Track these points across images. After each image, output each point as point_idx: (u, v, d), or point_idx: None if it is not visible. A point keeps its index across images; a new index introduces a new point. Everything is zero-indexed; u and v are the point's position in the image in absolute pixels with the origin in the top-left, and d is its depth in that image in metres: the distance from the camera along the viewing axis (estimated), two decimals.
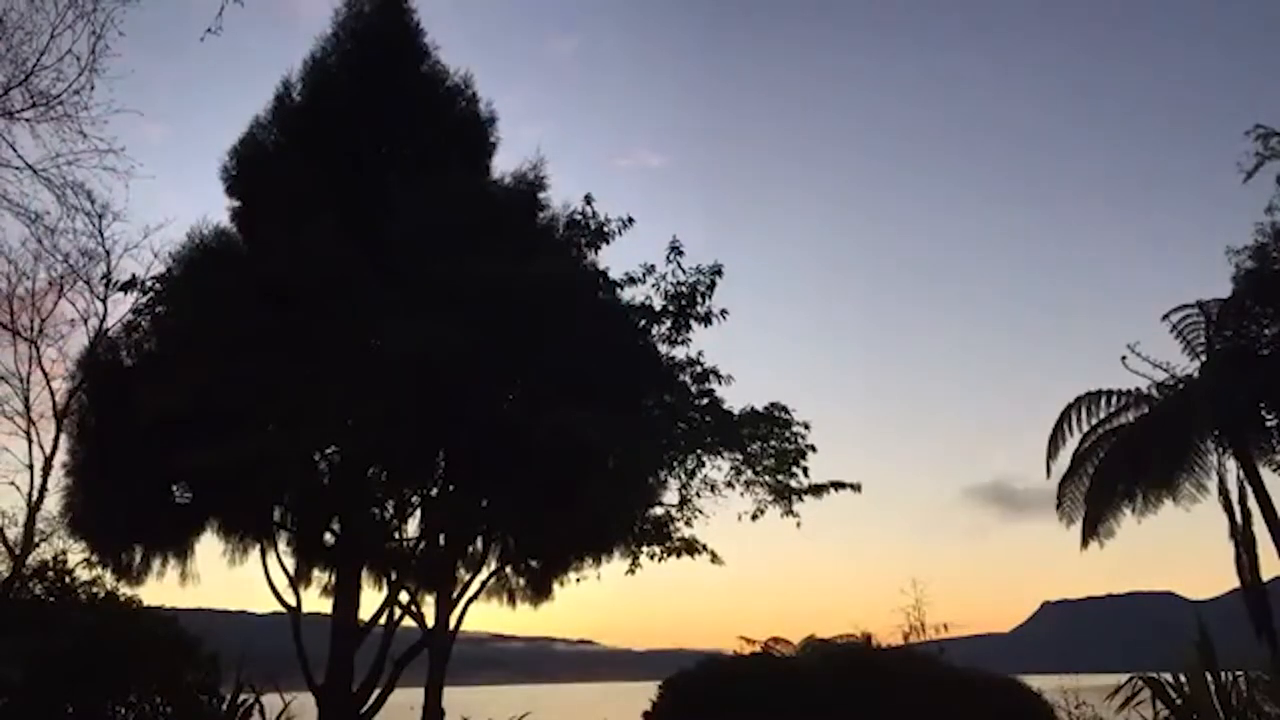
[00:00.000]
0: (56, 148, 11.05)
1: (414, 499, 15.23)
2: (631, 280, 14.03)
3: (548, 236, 14.75)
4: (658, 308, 13.99)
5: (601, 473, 13.19)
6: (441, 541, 14.64)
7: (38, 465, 16.34)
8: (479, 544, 15.12)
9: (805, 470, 14.13)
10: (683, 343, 14.14)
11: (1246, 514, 17.46)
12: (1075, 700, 13.18)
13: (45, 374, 16.91)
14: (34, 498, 16.09)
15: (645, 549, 14.39)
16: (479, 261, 12.41)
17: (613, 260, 14.45)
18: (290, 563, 15.10)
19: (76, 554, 14.10)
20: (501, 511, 14.24)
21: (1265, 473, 17.88)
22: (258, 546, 14.91)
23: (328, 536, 15.38)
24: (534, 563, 15.70)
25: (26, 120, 10.80)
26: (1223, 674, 10.08)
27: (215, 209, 15.61)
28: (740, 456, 14.13)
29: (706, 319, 13.99)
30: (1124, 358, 18.91)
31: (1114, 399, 19.02)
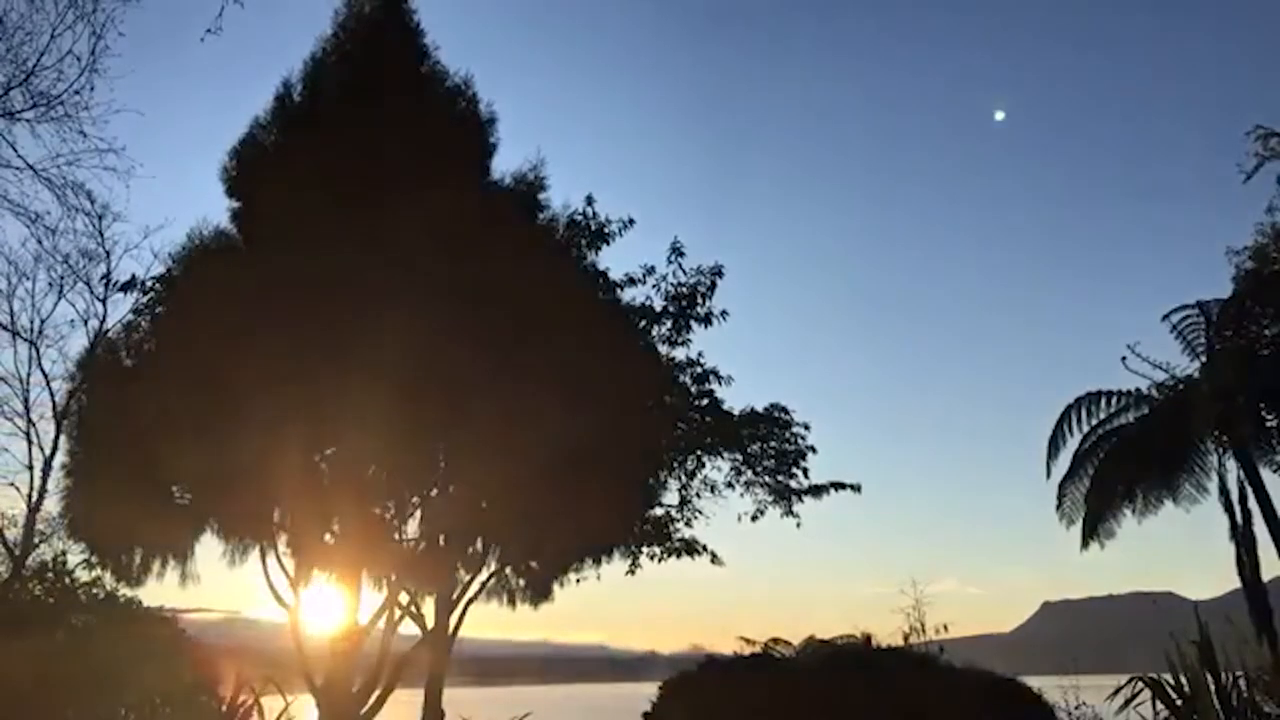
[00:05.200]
0: (57, 148, 11.09)
1: (414, 499, 15.24)
2: (632, 281, 14.07)
3: (548, 237, 14.75)
4: (658, 308, 14.02)
5: (601, 473, 13.20)
6: (441, 542, 14.64)
7: (37, 466, 16.37)
8: (479, 544, 15.12)
9: (805, 471, 14.19)
10: (683, 343, 14.19)
11: (1247, 514, 17.45)
12: (1075, 700, 13.20)
13: (45, 374, 16.93)
14: (34, 498, 16.12)
15: (645, 549, 14.41)
16: (478, 262, 12.41)
17: (613, 261, 14.48)
18: (290, 563, 15.10)
19: (76, 555, 14.11)
20: (501, 512, 14.24)
21: (1265, 473, 17.87)
22: (257, 547, 14.90)
23: (328, 536, 15.37)
24: (534, 564, 15.69)
25: (27, 120, 10.83)
26: (1223, 674, 10.07)
27: (215, 209, 15.61)
28: (740, 457, 14.18)
29: (707, 320, 14.03)
30: (1124, 358, 18.92)
31: (1114, 399, 18.99)
